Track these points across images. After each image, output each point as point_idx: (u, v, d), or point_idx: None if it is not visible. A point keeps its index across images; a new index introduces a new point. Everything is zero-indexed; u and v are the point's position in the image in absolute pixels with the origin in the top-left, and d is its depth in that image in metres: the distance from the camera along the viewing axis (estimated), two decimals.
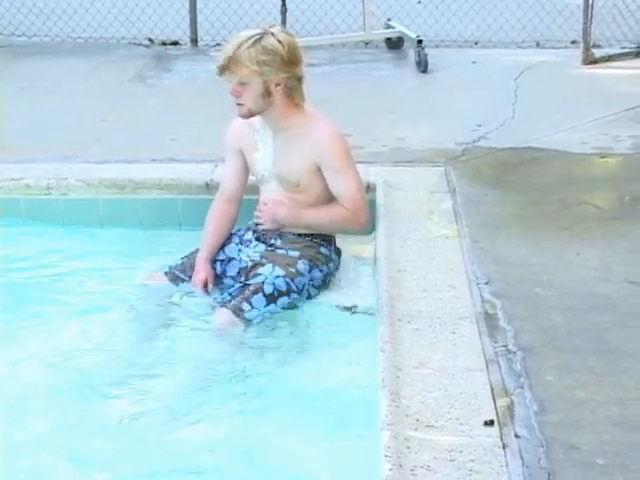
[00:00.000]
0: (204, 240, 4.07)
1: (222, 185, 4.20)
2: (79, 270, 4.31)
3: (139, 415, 3.29)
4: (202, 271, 3.99)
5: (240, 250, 4.07)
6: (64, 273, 4.28)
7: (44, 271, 4.30)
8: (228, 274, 4.05)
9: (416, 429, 2.79)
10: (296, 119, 3.94)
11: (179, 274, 4.03)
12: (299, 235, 4.03)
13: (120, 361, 3.62)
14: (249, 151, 4.07)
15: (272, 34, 3.79)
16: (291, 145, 3.94)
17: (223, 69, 3.81)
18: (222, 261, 4.07)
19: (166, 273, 4.04)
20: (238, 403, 3.36)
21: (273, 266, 3.91)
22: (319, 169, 3.96)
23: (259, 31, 3.80)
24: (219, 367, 3.55)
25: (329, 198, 4.02)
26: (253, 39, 3.77)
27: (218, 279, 4.05)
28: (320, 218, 4.02)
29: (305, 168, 3.95)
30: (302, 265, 3.94)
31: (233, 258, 4.06)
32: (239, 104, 3.88)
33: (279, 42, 3.78)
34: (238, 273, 4.02)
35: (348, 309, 3.86)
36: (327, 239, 4.08)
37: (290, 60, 3.81)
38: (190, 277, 4.01)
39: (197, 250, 4.08)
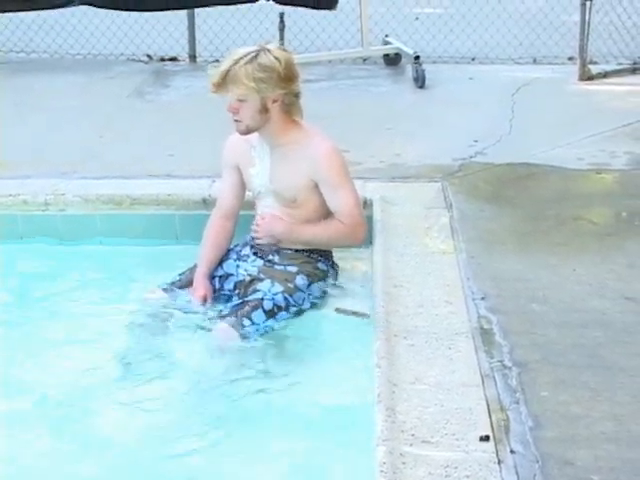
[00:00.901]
0: (202, 256, 4.08)
1: (219, 201, 4.21)
2: (76, 286, 4.32)
3: (136, 429, 3.30)
4: (201, 287, 3.99)
5: (238, 266, 4.08)
6: (61, 289, 4.29)
7: (41, 287, 4.31)
8: (226, 288, 4.06)
9: (412, 444, 2.79)
10: (293, 135, 3.95)
11: (177, 290, 4.03)
12: (297, 251, 4.04)
13: (117, 376, 3.62)
14: (245, 167, 4.08)
15: (268, 51, 3.81)
16: (288, 161, 3.95)
17: (219, 86, 3.81)
18: (220, 277, 4.08)
19: (164, 289, 4.04)
20: (235, 417, 3.37)
21: (272, 282, 3.91)
22: (316, 185, 3.97)
23: (255, 48, 3.81)
24: (217, 382, 3.55)
25: (326, 213, 4.03)
26: (250, 56, 3.78)
27: (216, 295, 4.05)
28: (317, 234, 4.03)
29: (302, 184, 3.96)
30: (300, 280, 3.95)
31: (231, 274, 4.07)
32: (237, 120, 3.89)
33: (276, 59, 3.79)
34: (235, 287, 4.03)
35: (354, 313, 3.90)
36: (325, 254, 4.09)
37: (287, 76, 3.83)
38: (188, 293, 4.01)
39: (195, 266, 4.09)
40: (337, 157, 3.99)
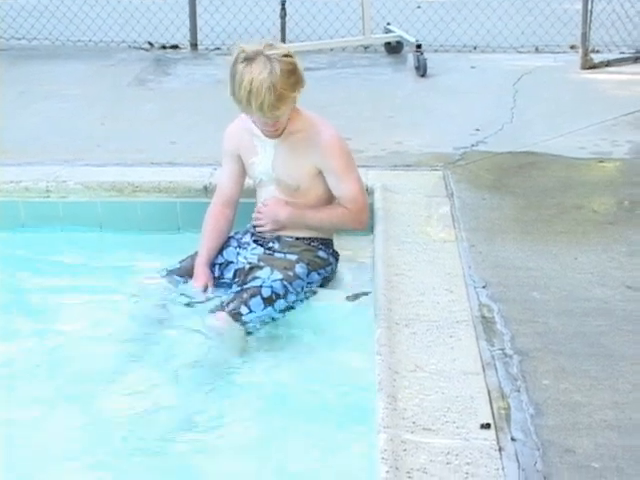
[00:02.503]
0: (202, 244, 4.07)
1: (219, 189, 4.19)
2: (77, 273, 4.32)
3: (134, 415, 3.30)
4: (201, 275, 3.99)
5: (238, 253, 4.07)
6: (62, 276, 4.29)
7: (43, 273, 4.31)
8: (225, 276, 4.05)
9: (412, 432, 2.80)
10: (297, 123, 3.94)
11: (177, 277, 4.02)
12: (297, 238, 4.04)
13: (116, 363, 3.62)
14: (247, 155, 4.07)
15: (273, 48, 3.74)
16: (292, 149, 3.94)
17: (273, 114, 3.77)
18: (220, 265, 4.07)
19: (164, 276, 4.04)
20: (235, 405, 3.37)
21: (271, 269, 3.91)
22: (320, 173, 3.97)
23: (260, 57, 3.70)
24: (216, 369, 3.56)
25: (328, 201, 4.04)
26: (276, 70, 3.69)
27: (216, 282, 4.05)
28: (323, 219, 4.03)
29: (305, 172, 3.96)
30: (300, 268, 3.94)
31: (231, 262, 4.06)
32: (275, 130, 3.87)
33: (291, 56, 3.76)
34: (235, 275, 4.03)
35: (352, 297, 3.91)
36: (325, 242, 4.09)
37: (300, 67, 3.81)
38: (188, 280, 4.01)
39: (195, 253, 4.08)
40: (341, 144, 3.99)
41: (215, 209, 4.14)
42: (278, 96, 3.71)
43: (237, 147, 4.09)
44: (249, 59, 3.71)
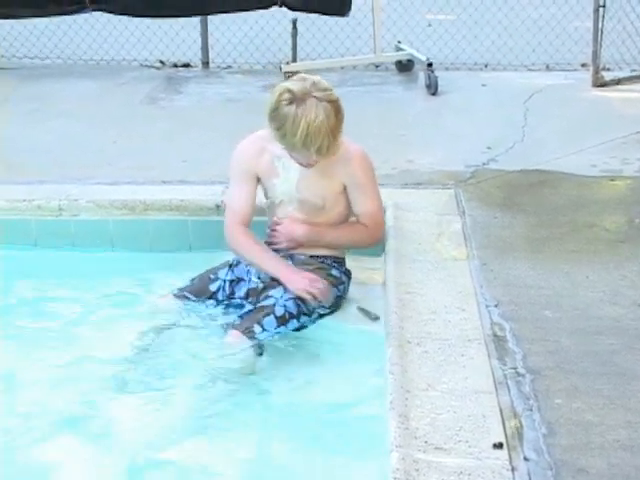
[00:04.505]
0: (266, 254, 3.97)
1: (236, 210, 4.05)
2: (89, 291, 4.32)
3: (146, 432, 3.30)
4: (300, 275, 3.92)
5: (249, 270, 4.07)
6: (74, 294, 4.30)
7: (54, 291, 4.32)
8: (237, 295, 4.05)
9: (425, 451, 2.79)
10: None
11: (189, 296, 4.03)
12: (311, 256, 4.04)
13: (128, 380, 3.62)
14: (267, 176, 4.02)
15: (329, 93, 3.74)
16: (321, 169, 3.91)
17: (329, 155, 3.79)
18: (232, 281, 4.07)
19: (175, 295, 4.04)
20: (245, 423, 3.37)
21: (284, 288, 3.91)
22: (344, 189, 3.99)
23: (315, 98, 3.69)
24: (227, 387, 3.56)
25: (346, 218, 4.08)
26: (330, 113, 3.71)
27: (227, 300, 4.05)
28: (341, 236, 4.05)
29: (333, 190, 3.98)
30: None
31: (242, 279, 4.06)
32: (316, 162, 3.87)
33: (332, 91, 3.77)
34: (247, 294, 4.02)
35: (368, 314, 3.93)
36: (338, 261, 4.09)
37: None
38: (200, 298, 4.01)
39: (206, 271, 4.09)
40: (368, 159, 4.03)
41: (240, 228, 4.02)
42: (334, 137, 3.74)
43: (255, 167, 4.04)
44: (298, 100, 3.70)
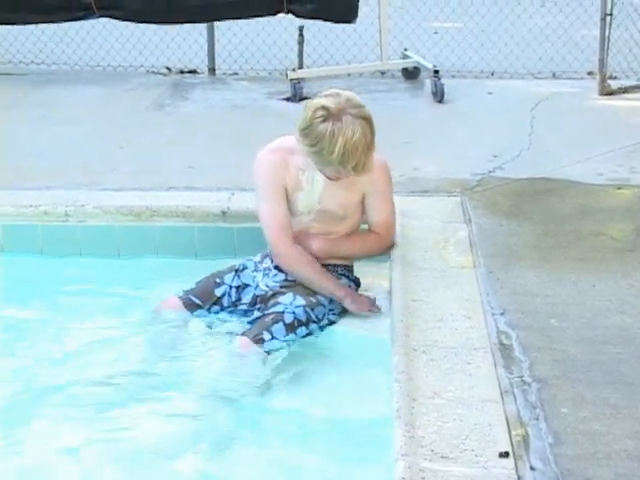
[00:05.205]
0: (325, 274, 3.98)
1: (284, 223, 3.97)
2: (95, 297, 4.32)
3: (151, 438, 3.30)
4: (362, 297, 4.01)
5: (254, 277, 4.06)
6: (80, 299, 4.30)
7: (60, 297, 4.32)
8: (243, 301, 4.05)
9: (431, 460, 2.78)
10: None
11: (194, 299, 4.02)
12: (322, 265, 4.02)
13: (133, 386, 3.62)
14: (293, 190, 4.00)
15: (363, 110, 3.75)
16: (344, 179, 3.90)
17: (365, 171, 3.80)
18: (237, 287, 4.06)
19: (180, 298, 4.04)
20: (251, 429, 3.37)
21: (294, 295, 3.91)
22: (363, 198, 4.02)
23: (351, 115, 3.70)
24: (234, 393, 3.56)
25: (358, 227, 4.11)
26: (367, 130, 3.72)
27: (232, 306, 4.05)
28: (355, 247, 4.08)
29: (353, 200, 4.00)
30: (322, 295, 3.94)
31: (248, 285, 4.06)
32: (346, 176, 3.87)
33: (365, 107, 3.77)
34: (254, 300, 4.02)
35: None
36: (347, 269, 4.10)
37: None
38: (205, 304, 4.01)
39: (212, 275, 4.09)
40: (389, 169, 4.07)
41: (293, 245, 3.97)
42: (370, 154, 3.76)
43: (284, 180, 3.99)
44: (334, 117, 3.69)
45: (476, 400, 3.08)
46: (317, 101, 3.77)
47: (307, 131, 3.73)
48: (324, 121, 3.68)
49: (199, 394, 3.55)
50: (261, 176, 4.00)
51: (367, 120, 3.74)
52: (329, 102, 3.71)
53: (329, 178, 3.89)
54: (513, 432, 2.92)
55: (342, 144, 3.67)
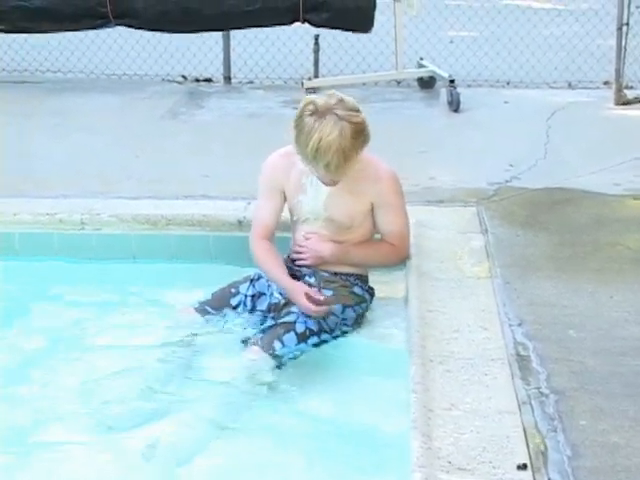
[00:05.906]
0: (276, 269, 3.96)
1: (262, 224, 4.04)
2: (110, 305, 4.33)
3: (163, 443, 3.29)
4: (300, 289, 3.88)
5: (270, 285, 4.06)
6: (96, 308, 4.31)
7: (76, 305, 4.33)
8: (258, 309, 4.04)
9: (448, 472, 2.76)
10: None
11: (209, 309, 4.02)
12: (335, 274, 4.03)
13: (148, 394, 3.62)
14: (294, 193, 4.02)
15: (354, 114, 3.74)
16: (350, 189, 3.91)
17: (338, 173, 3.80)
18: (253, 296, 4.06)
19: (196, 308, 4.03)
20: (265, 439, 3.35)
21: None
22: (372, 209, 3.99)
23: (336, 115, 3.70)
24: (247, 403, 3.55)
25: (370, 236, 4.08)
26: (346, 132, 3.70)
27: (249, 314, 4.04)
28: (368, 255, 4.06)
29: (361, 209, 3.98)
30: (335, 305, 3.93)
31: (263, 293, 4.05)
32: (334, 182, 3.88)
33: (359, 112, 3.78)
34: (268, 309, 4.02)
35: None
36: (361, 278, 4.08)
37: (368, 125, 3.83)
38: (220, 312, 4.00)
39: (227, 285, 4.08)
40: (398, 181, 4.05)
41: (265, 244, 4.02)
42: (345, 158, 3.73)
43: (283, 183, 4.03)
44: (319, 114, 3.71)
45: (493, 412, 3.07)
46: (311, 97, 3.83)
47: (295, 123, 3.78)
48: (310, 115, 3.73)
49: (210, 402, 3.55)
50: (261, 176, 4.10)
51: (353, 125, 3.73)
52: (320, 99, 3.77)
53: (324, 183, 3.89)
54: (531, 444, 2.90)
55: (316, 140, 3.68)
